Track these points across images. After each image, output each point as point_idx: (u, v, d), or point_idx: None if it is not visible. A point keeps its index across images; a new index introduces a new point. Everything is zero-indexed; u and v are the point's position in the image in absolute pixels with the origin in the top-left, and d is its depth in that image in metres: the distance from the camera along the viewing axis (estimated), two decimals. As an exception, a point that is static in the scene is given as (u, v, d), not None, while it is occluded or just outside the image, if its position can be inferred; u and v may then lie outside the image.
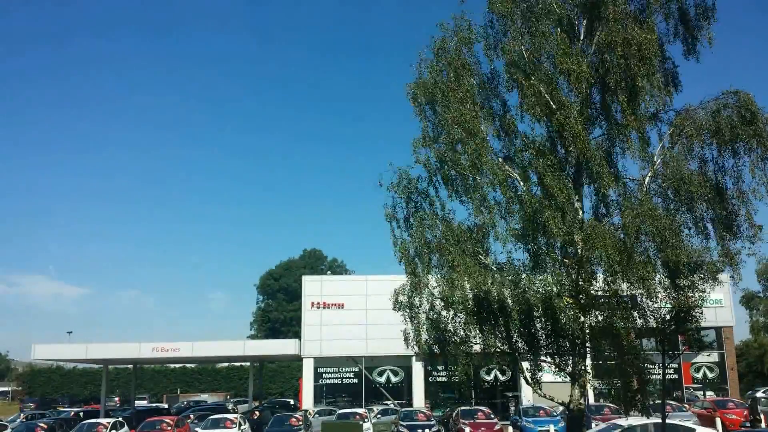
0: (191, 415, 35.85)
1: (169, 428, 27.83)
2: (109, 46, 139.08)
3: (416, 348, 16.09)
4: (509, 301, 14.91)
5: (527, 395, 35.12)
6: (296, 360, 43.61)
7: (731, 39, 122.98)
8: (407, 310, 16.03)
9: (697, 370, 40.76)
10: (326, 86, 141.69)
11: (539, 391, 15.97)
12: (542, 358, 15.87)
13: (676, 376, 39.68)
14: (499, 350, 15.86)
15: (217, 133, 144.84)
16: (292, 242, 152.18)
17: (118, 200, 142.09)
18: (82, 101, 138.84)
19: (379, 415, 32.24)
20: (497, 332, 15.45)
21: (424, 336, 16.06)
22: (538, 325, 15.08)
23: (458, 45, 16.18)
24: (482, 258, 15.68)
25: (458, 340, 15.87)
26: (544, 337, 15.39)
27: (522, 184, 15.34)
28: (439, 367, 38.18)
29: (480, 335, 15.61)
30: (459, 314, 15.54)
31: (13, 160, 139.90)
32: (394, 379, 39.33)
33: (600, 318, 14.78)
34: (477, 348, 16.21)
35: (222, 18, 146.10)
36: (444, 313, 15.83)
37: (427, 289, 15.59)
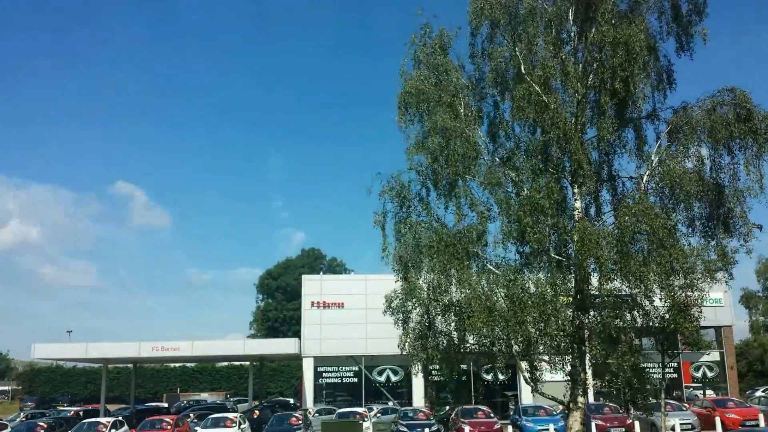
0: (191, 414, 35.90)
1: (169, 427, 27.84)
2: (104, 33, 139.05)
3: (407, 352, 15.86)
4: (502, 302, 14.80)
5: (527, 394, 35.08)
6: (296, 359, 43.58)
7: (733, 38, 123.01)
8: (399, 315, 15.88)
9: (697, 369, 40.69)
10: (327, 82, 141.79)
11: (538, 391, 15.91)
12: (540, 357, 15.79)
13: (675, 375, 39.64)
14: (494, 351, 15.76)
15: (215, 129, 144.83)
16: (291, 241, 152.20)
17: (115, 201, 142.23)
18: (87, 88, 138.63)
19: (378, 414, 32.21)
20: (491, 334, 15.28)
21: (411, 337, 15.81)
22: (532, 327, 15.01)
23: (435, 52, 16.08)
24: (474, 260, 15.55)
25: (451, 343, 15.73)
26: (539, 337, 15.32)
27: (512, 187, 15.28)
28: (435, 368, 38.12)
29: (473, 337, 15.46)
30: (451, 317, 15.39)
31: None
32: (393, 379, 39.31)
33: (598, 318, 14.76)
34: (472, 349, 16.10)
35: (222, 15, 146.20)
36: (438, 317, 15.65)
37: (420, 293, 15.38)
